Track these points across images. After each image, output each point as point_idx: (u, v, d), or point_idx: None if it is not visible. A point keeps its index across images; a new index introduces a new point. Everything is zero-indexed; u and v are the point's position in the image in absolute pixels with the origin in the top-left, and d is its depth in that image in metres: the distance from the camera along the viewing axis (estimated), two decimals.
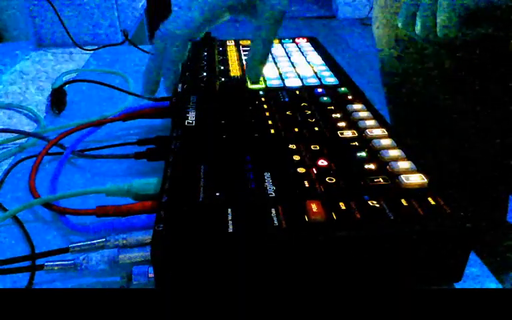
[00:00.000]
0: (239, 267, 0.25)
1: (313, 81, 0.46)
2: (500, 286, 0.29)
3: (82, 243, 0.29)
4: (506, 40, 0.44)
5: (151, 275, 0.26)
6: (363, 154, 0.32)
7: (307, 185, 0.29)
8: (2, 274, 0.28)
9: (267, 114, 0.39)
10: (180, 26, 0.39)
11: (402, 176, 0.29)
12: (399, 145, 0.33)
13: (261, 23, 0.39)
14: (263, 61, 0.41)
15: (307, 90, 0.44)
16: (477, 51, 0.47)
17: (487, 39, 0.38)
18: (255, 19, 0.39)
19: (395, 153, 0.32)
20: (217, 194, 0.28)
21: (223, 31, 0.38)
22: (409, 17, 0.38)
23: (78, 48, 0.78)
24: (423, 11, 0.36)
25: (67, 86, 0.56)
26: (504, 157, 0.54)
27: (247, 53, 0.55)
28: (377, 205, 0.26)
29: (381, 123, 0.36)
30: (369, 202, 0.27)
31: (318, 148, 0.33)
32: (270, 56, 0.54)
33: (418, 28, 0.37)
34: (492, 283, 0.29)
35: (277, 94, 0.43)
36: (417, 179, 0.29)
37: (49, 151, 0.42)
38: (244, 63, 0.52)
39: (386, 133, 0.35)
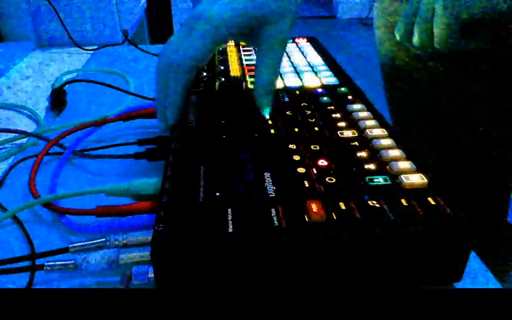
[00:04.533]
0: (238, 267, 0.25)
1: (313, 81, 0.46)
2: (500, 286, 0.29)
3: (82, 243, 0.29)
4: (503, 49, 0.45)
5: (151, 275, 0.26)
6: (363, 154, 0.32)
7: (307, 185, 0.29)
8: (2, 274, 0.28)
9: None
10: (183, 57, 0.36)
11: (402, 176, 0.29)
12: (398, 145, 0.33)
13: (267, 47, 0.37)
14: (273, 86, 0.38)
15: (306, 90, 0.44)
16: (474, 61, 0.47)
17: (484, 50, 0.38)
18: (259, 44, 0.37)
19: (395, 152, 0.32)
20: (217, 194, 0.28)
21: None
22: (406, 29, 0.38)
23: (78, 48, 0.78)
24: (420, 23, 0.36)
25: (66, 86, 0.56)
26: (504, 157, 0.54)
27: (247, 53, 0.55)
28: (377, 205, 0.26)
29: (381, 123, 0.36)
30: (369, 202, 0.27)
31: (318, 148, 0.33)
32: None
33: (415, 39, 0.37)
34: (492, 283, 0.29)
35: (277, 94, 0.43)
36: (417, 178, 0.29)
37: (49, 151, 0.42)
38: (244, 64, 0.52)
39: (386, 132, 0.35)
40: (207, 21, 0.35)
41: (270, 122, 0.37)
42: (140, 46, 0.73)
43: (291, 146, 0.33)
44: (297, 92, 0.43)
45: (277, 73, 0.37)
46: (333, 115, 0.38)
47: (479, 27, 0.35)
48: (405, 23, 0.38)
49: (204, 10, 0.35)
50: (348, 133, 0.35)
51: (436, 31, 0.35)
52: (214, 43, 0.36)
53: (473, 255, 0.30)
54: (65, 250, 0.29)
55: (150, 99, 0.49)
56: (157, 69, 0.37)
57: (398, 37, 0.39)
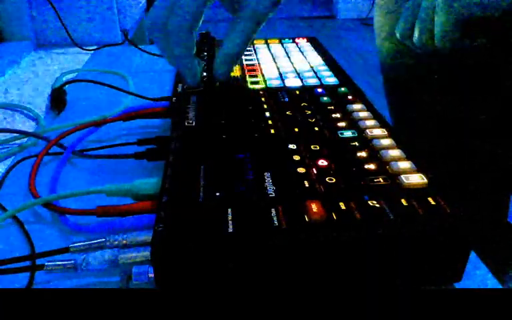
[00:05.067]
0: (238, 267, 0.25)
1: (313, 81, 0.46)
2: (500, 286, 0.29)
3: (82, 243, 0.29)
4: (504, 48, 0.45)
5: (151, 275, 0.26)
6: (363, 154, 0.32)
7: (306, 185, 0.29)
8: (2, 274, 0.28)
9: (267, 114, 0.39)
10: (182, 18, 0.35)
11: (402, 176, 0.29)
12: (398, 145, 0.33)
13: (241, 17, 0.36)
14: (236, 58, 0.37)
15: (306, 90, 0.44)
16: (475, 59, 0.47)
17: (485, 48, 0.38)
18: (236, 14, 0.36)
19: (395, 152, 0.32)
20: (217, 194, 0.28)
21: (223, 31, 0.37)
22: (406, 28, 0.38)
23: (78, 48, 0.78)
24: (420, 22, 0.36)
25: (66, 86, 0.56)
26: (504, 157, 0.54)
27: (247, 53, 0.55)
28: (377, 205, 0.26)
29: (381, 122, 0.36)
30: (369, 202, 0.27)
31: (318, 148, 0.33)
32: (270, 56, 0.54)
33: (415, 39, 0.37)
34: (492, 283, 0.29)
35: (276, 94, 0.43)
36: (417, 179, 0.29)
37: (49, 151, 0.42)
38: (244, 64, 0.52)
39: (386, 133, 0.35)
40: None
41: (270, 122, 0.37)
42: (140, 46, 0.73)
43: (290, 146, 0.33)
44: (297, 92, 0.43)
45: (243, 46, 0.37)
46: (333, 115, 0.38)
47: (480, 26, 0.35)
48: (406, 22, 0.38)
49: None
50: (348, 133, 0.35)
51: (436, 29, 0.35)
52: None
53: (473, 254, 0.30)
54: (65, 250, 0.29)
55: (150, 99, 0.49)
56: (154, 36, 0.36)
57: (398, 36, 0.39)
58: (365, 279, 0.26)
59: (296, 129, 0.36)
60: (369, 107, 0.39)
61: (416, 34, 0.37)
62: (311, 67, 0.50)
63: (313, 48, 0.57)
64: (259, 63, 0.51)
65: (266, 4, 0.36)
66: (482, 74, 0.49)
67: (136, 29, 1.06)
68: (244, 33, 0.36)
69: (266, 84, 0.45)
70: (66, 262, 0.28)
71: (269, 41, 0.60)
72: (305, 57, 0.53)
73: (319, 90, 0.43)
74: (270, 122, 0.37)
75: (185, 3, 0.35)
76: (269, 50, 0.57)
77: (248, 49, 0.57)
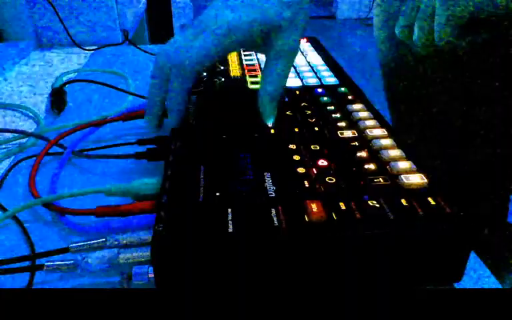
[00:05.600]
0: (238, 267, 0.25)
1: (313, 81, 0.46)
2: (500, 286, 0.29)
3: (82, 243, 0.29)
4: (503, 45, 0.45)
5: (151, 275, 0.26)
6: (363, 154, 0.32)
7: (306, 185, 0.29)
8: (2, 274, 0.28)
9: None
10: (191, 58, 0.35)
11: (402, 176, 0.29)
12: (398, 145, 0.33)
13: (276, 57, 0.36)
14: (277, 99, 0.37)
15: (307, 90, 0.44)
16: (475, 56, 0.47)
17: (485, 45, 0.38)
18: (268, 54, 0.37)
19: (395, 152, 0.32)
20: (217, 194, 0.28)
21: None
22: (407, 26, 0.38)
23: (78, 48, 0.78)
24: (421, 20, 0.36)
25: (67, 86, 0.56)
26: (504, 157, 0.54)
27: (247, 53, 0.55)
28: (377, 205, 0.26)
29: (381, 122, 0.36)
30: (369, 202, 0.27)
31: (318, 148, 0.33)
32: None
33: (415, 37, 0.37)
34: (492, 283, 0.29)
35: None
36: (417, 178, 0.29)
37: (49, 151, 0.42)
38: (244, 64, 0.52)
39: (386, 133, 0.35)
40: (220, 25, 0.34)
41: (273, 131, 0.37)
42: (140, 46, 0.73)
43: (291, 146, 0.33)
44: (297, 92, 0.43)
45: (284, 83, 0.37)
46: (333, 115, 0.38)
47: (480, 24, 0.35)
48: (406, 20, 0.38)
49: (218, 14, 0.35)
50: (348, 133, 0.35)
51: (436, 27, 0.35)
52: (225, 48, 0.35)
53: (472, 254, 0.30)
54: (65, 250, 0.29)
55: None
56: (156, 66, 0.37)
57: (398, 34, 0.39)
58: (365, 278, 0.26)
59: (296, 129, 0.36)
60: (369, 107, 0.39)
61: (416, 32, 0.37)
62: (311, 67, 0.50)
63: (313, 48, 0.57)
64: (259, 63, 0.51)
65: (296, 40, 0.36)
66: (482, 73, 0.49)
67: (136, 29, 1.06)
68: (280, 70, 0.36)
69: None
70: (66, 262, 0.28)
71: None
72: (305, 57, 0.53)
73: (319, 90, 0.43)
74: (272, 131, 0.37)
75: (187, 68, 0.35)
76: None
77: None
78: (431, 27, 0.35)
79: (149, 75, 0.37)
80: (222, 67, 0.50)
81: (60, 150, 0.43)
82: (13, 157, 0.44)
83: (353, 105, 0.40)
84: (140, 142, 0.41)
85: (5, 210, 0.35)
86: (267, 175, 0.30)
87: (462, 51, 0.37)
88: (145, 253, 0.27)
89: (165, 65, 0.36)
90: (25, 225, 0.34)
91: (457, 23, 0.34)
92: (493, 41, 0.39)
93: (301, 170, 0.30)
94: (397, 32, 0.39)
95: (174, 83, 0.36)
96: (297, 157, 0.32)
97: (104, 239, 0.29)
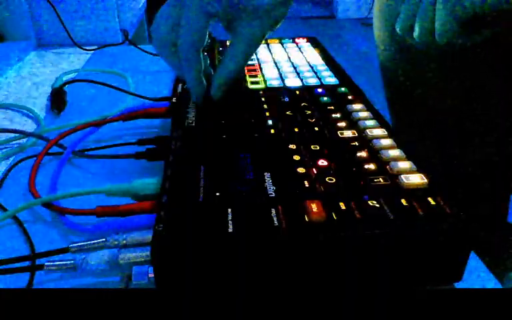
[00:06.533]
0: (238, 267, 0.25)
1: (313, 81, 0.46)
2: (500, 286, 0.29)
3: (82, 243, 0.29)
4: (505, 43, 0.44)
5: (151, 275, 0.26)
6: (363, 154, 0.32)
7: (307, 185, 0.29)
8: (2, 274, 0.28)
9: (267, 114, 0.39)
10: (189, 39, 0.36)
11: (402, 176, 0.29)
12: (398, 145, 0.33)
13: (235, 42, 0.37)
14: (227, 83, 0.38)
15: (307, 90, 0.44)
16: (476, 54, 0.47)
17: (486, 43, 0.38)
18: (232, 34, 0.38)
19: (395, 152, 0.32)
20: (217, 194, 0.28)
21: (223, 30, 0.37)
22: (407, 23, 0.38)
23: (78, 48, 0.78)
24: (421, 17, 0.36)
25: (66, 86, 0.55)
26: (504, 157, 0.54)
27: None
28: (377, 205, 0.26)
29: (381, 122, 0.36)
30: (369, 202, 0.27)
31: (318, 148, 0.33)
32: (270, 56, 0.54)
33: (416, 34, 0.37)
34: (492, 283, 0.29)
35: (276, 94, 0.43)
36: (417, 178, 0.29)
37: (49, 151, 0.42)
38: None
39: (386, 133, 0.35)
40: None
41: (270, 122, 0.37)
42: (140, 46, 0.73)
43: (291, 146, 0.33)
44: (297, 92, 0.43)
45: (238, 70, 0.38)
46: (333, 115, 0.38)
47: (481, 21, 0.35)
48: (406, 17, 0.37)
49: None
50: (348, 133, 0.35)
51: (437, 24, 0.35)
52: (206, 18, 0.36)
53: (472, 254, 0.30)
54: (65, 250, 0.29)
55: (150, 99, 0.49)
56: (162, 54, 0.38)
57: (398, 31, 0.38)
58: (365, 278, 0.26)
59: (296, 129, 0.36)
60: (369, 107, 0.39)
61: (416, 29, 0.36)
62: (311, 67, 0.50)
63: (313, 48, 0.57)
64: (259, 63, 0.51)
65: (259, 32, 0.37)
66: (483, 71, 0.49)
67: (136, 29, 1.06)
68: (238, 56, 0.37)
69: (266, 84, 0.45)
70: (66, 262, 0.28)
71: (268, 41, 0.60)
72: (305, 57, 0.53)
73: (319, 90, 0.43)
74: (270, 122, 0.37)
75: (188, 22, 0.35)
76: (269, 50, 0.57)
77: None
78: (432, 23, 0.35)
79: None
80: None
81: (60, 150, 0.43)
82: (13, 157, 0.44)
83: (353, 105, 0.40)
84: (140, 142, 0.41)
85: (5, 210, 0.35)
86: (266, 174, 0.30)
87: (463, 48, 0.37)
88: (145, 253, 0.27)
89: (166, 48, 0.37)
90: (25, 225, 0.34)
91: (457, 19, 0.34)
92: (494, 37, 0.38)
93: (300, 170, 0.30)
94: (397, 28, 0.39)
95: (185, 67, 0.37)
96: (297, 157, 0.32)
97: (104, 239, 0.29)
